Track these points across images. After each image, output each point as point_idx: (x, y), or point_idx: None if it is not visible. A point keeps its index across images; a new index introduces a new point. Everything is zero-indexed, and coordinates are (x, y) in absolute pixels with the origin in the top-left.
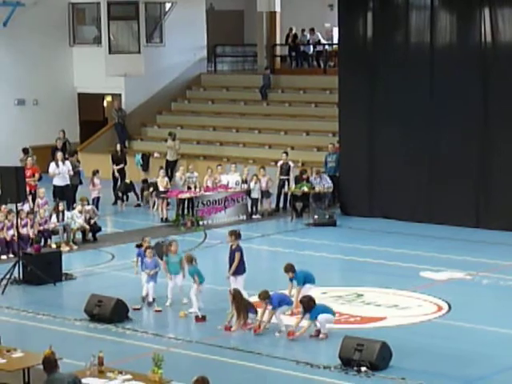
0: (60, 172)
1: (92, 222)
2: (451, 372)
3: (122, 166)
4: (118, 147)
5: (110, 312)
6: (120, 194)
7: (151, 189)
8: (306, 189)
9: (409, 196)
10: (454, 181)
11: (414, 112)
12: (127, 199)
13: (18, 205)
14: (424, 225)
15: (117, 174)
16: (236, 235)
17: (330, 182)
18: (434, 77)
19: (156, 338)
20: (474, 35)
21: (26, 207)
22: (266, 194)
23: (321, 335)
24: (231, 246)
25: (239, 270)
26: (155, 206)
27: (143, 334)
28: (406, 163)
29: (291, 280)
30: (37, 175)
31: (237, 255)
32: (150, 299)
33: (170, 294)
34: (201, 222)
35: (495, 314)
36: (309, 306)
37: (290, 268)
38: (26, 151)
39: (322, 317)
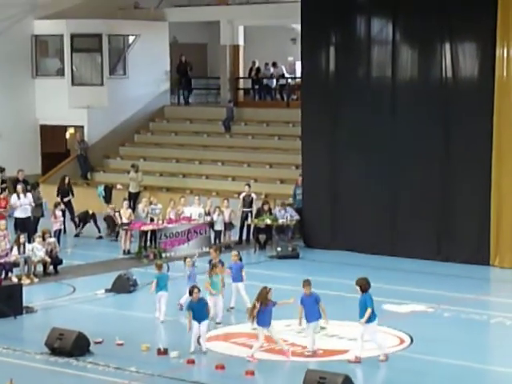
0: (21, 204)
1: (53, 255)
2: None
3: (69, 198)
4: (67, 180)
5: (71, 345)
6: (77, 220)
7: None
8: (269, 221)
9: (371, 229)
10: (416, 215)
11: (376, 146)
12: (83, 227)
13: None
14: (386, 257)
15: (63, 207)
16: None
17: (295, 214)
18: (395, 111)
19: (117, 371)
20: (435, 70)
21: None
22: (229, 226)
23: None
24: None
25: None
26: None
27: (105, 367)
28: (368, 196)
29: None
30: (8, 207)
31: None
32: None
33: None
34: (163, 254)
35: (457, 347)
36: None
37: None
38: None
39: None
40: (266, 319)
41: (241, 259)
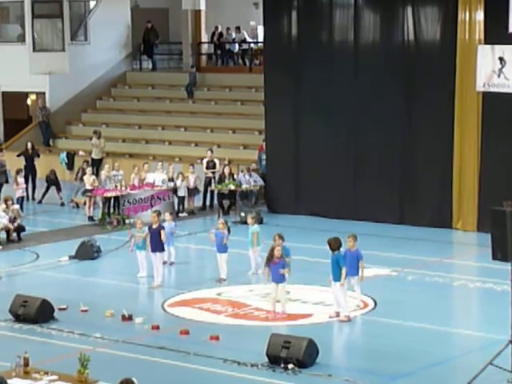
0: None
1: (16, 223)
2: (377, 368)
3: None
4: (30, 145)
5: (35, 312)
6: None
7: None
8: (232, 186)
9: (334, 193)
10: (379, 178)
11: (338, 110)
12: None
13: None
14: (349, 222)
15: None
16: (159, 215)
17: (259, 179)
18: (358, 75)
19: (82, 337)
20: (397, 33)
21: None
22: (193, 191)
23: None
24: (151, 226)
25: (161, 247)
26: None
27: (69, 334)
28: (331, 161)
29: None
30: None
31: (162, 233)
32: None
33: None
34: (127, 221)
35: (421, 310)
36: None
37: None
38: None
39: None
40: (274, 276)
41: (229, 229)
